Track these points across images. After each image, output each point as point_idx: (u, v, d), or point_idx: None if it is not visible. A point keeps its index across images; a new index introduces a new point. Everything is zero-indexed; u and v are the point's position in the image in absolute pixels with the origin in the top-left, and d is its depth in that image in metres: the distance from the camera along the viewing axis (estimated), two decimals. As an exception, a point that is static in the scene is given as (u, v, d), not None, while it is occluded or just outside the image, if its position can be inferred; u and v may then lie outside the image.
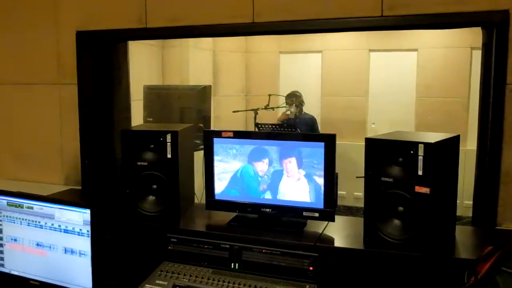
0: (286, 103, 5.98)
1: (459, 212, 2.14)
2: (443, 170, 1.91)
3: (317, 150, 2.08)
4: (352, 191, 6.33)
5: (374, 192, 1.94)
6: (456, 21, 2.14)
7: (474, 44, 6.13)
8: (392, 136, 2.02)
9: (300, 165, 2.14)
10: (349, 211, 6.40)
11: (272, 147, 2.18)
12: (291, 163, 2.16)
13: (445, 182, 1.94)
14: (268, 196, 2.21)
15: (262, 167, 2.21)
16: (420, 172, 1.83)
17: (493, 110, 2.11)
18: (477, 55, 2.33)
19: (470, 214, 2.31)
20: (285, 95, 6.07)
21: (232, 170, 2.25)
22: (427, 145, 1.82)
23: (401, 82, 6.85)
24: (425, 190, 1.82)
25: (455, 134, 2.03)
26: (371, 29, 2.36)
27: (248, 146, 2.22)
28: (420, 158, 1.83)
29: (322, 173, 2.09)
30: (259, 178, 2.22)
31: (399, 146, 1.89)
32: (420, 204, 1.84)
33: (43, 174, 2.99)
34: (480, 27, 2.24)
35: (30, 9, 2.92)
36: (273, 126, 5.37)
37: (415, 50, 6.74)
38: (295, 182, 2.16)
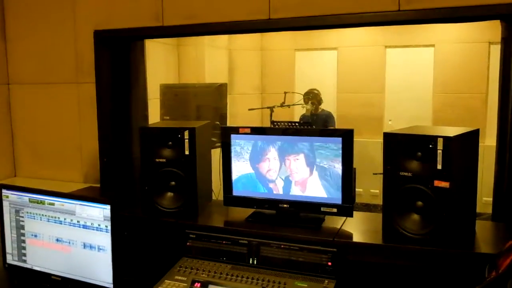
0: (303, 100, 5.97)
1: (478, 209, 2.12)
2: (462, 164, 1.89)
3: (335, 145, 2.08)
4: (369, 188, 6.30)
5: (393, 187, 1.93)
6: (474, 14, 2.12)
7: (492, 39, 6.06)
8: (411, 130, 2.01)
9: (313, 162, 2.14)
10: (366, 208, 6.37)
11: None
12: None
13: (464, 176, 1.93)
14: (285, 192, 2.21)
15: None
16: (439, 166, 1.82)
17: (513, 104, 2.09)
18: (495, 50, 2.32)
19: (489, 211, 2.28)
20: (303, 93, 6.06)
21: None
22: (446, 138, 1.81)
23: (418, 78, 6.80)
24: (444, 184, 1.81)
25: (475, 128, 2.01)
26: (388, 23, 2.35)
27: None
28: (439, 152, 1.81)
29: (340, 168, 2.08)
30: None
31: (417, 141, 1.88)
32: (440, 198, 1.82)
33: (63, 172, 3.03)
34: (499, 21, 2.21)
35: (48, 9, 2.96)
36: (289, 124, 5.35)
37: (432, 45, 6.68)
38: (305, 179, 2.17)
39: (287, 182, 2.20)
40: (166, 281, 2.04)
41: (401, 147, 1.91)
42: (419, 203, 1.89)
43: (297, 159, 2.17)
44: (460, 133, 1.89)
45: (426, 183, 1.85)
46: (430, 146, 1.84)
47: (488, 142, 4.57)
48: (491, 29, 5.77)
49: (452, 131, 1.89)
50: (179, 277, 2.06)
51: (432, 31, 6.51)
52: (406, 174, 1.90)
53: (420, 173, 1.87)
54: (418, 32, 6.60)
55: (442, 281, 1.89)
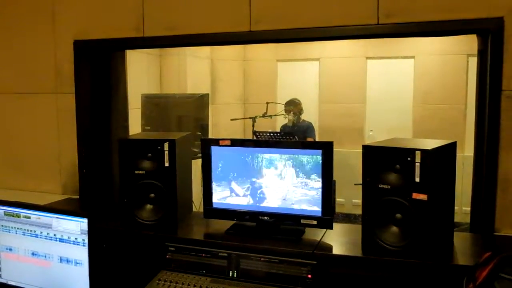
0: (285, 110, 6.00)
1: (457, 219, 2.14)
2: (440, 177, 1.91)
3: (315, 157, 2.08)
4: (351, 198, 6.33)
5: (372, 199, 1.94)
6: (451, 29, 2.16)
7: (471, 51, 6.14)
8: (389, 143, 2.02)
9: (293, 173, 2.13)
10: (347, 218, 6.39)
11: (261, 155, 2.20)
12: (279, 172, 2.16)
13: (442, 188, 1.94)
14: (265, 204, 2.20)
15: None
16: (417, 179, 1.83)
17: (489, 116, 2.12)
18: (474, 62, 2.35)
19: (469, 221, 2.31)
20: (284, 103, 6.08)
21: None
22: (424, 151, 1.82)
23: (399, 89, 6.87)
24: (422, 196, 1.83)
25: (452, 141, 2.03)
26: (367, 37, 2.38)
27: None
28: (417, 165, 1.83)
29: (320, 180, 2.09)
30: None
31: (396, 153, 1.90)
32: (418, 210, 1.84)
33: (41, 183, 2.99)
34: (475, 35, 2.25)
35: (27, 19, 2.93)
36: (271, 134, 5.38)
37: (412, 57, 6.77)
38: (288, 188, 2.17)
39: (268, 194, 2.20)
40: (144, 294, 2.02)
41: (380, 159, 1.92)
42: (398, 215, 1.90)
43: (278, 170, 2.16)
44: (437, 146, 1.91)
45: (405, 195, 1.87)
46: (408, 159, 1.85)
47: (467, 152, 4.62)
48: (469, 42, 5.85)
49: (430, 144, 1.91)
50: (158, 291, 2.04)
51: (412, 43, 6.60)
52: (385, 186, 1.91)
53: (398, 186, 1.88)
54: (399, 44, 6.68)
55: (420, 293, 1.90)
